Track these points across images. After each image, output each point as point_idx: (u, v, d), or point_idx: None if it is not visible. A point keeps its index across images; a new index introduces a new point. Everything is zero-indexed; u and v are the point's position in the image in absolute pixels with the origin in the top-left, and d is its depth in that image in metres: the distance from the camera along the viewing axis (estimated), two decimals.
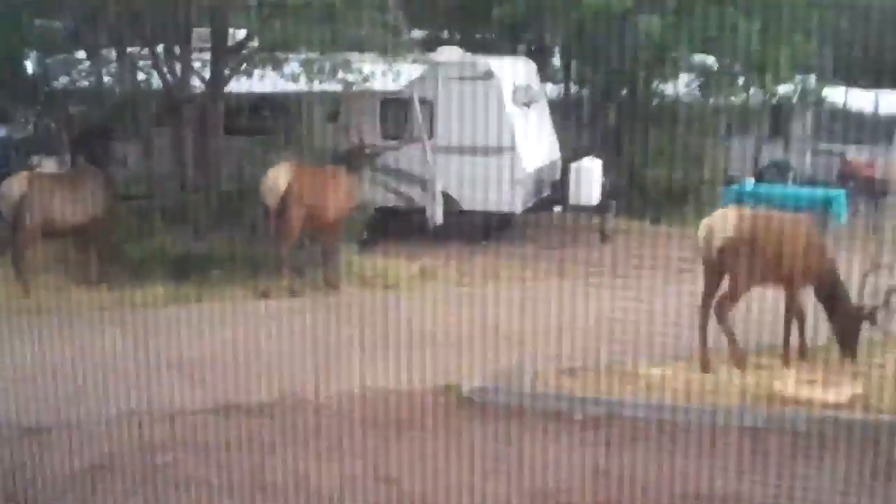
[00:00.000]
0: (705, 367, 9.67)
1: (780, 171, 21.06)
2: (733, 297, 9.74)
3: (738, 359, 9.72)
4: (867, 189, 20.70)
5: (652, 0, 18.01)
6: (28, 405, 8.92)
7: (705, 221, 10.08)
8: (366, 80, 15.13)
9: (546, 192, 17.46)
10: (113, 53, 15.45)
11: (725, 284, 9.84)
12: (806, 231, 10.18)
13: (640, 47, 18.49)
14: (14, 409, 8.88)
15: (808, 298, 10.09)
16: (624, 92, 20.30)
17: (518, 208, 16.54)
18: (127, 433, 8.55)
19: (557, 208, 17.45)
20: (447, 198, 16.22)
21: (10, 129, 17.19)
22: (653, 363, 9.76)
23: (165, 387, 9.39)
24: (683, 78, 20.34)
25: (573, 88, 21.15)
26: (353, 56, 14.96)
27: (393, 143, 16.38)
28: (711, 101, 20.11)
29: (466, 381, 9.38)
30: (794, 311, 9.97)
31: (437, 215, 16.03)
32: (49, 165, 15.88)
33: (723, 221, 9.93)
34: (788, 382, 9.26)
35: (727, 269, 9.80)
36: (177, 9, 14.69)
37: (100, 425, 8.69)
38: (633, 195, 18.21)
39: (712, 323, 9.78)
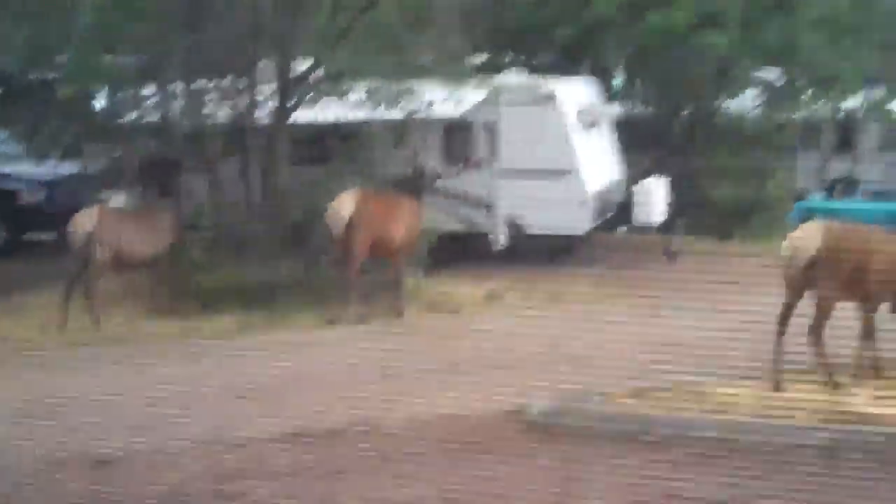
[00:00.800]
0: (778, 386, 9.52)
1: (849, 186, 20.72)
2: (825, 314, 9.56)
3: (831, 381, 9.51)
4: None
5: (715, 15, 17.88)
6: (101, 435, 9.04)
7: (790, 236, 9.91)
8: (429, 106, 15.21)
9: (611, 213, 17.37)
10: (180, 87, 15.68)
11: (808, 302, 9.67)
12: (891, 245, 9.99)
13: (705, 64, 18.37)
14: (87, 439, 9.01)
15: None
16: (689, 109, 20.17)
17: (583, 230, 16.46)
18: (199, 462, 8.64)
19: (623, 228, 17.36)
20: (511, 221, 16.21)
21: (81, 164, 17.49)
22: (724, 383, 9.62)
23: (236, 415, 9.47)
24: (749, 93, 20.16)
25: (637, 107, 21.04)
26: (416, 83, 15.05)
27: (456, 167, 16.42)
28: (777, 115, 19.89)
29: (535, 405, 9.34)
30: (872, 328, 9.78)
31: (502, 239, 16.04)
32: (119, 200, 16.15)
33: (809, 236, 9.73)
34: (863, 400, 9.09)
35: (815, 286, 9.60)
36: (242, 41, 14.93)
37: (171, 454, 8.78)
38: (699, 213, 18.04)
39: (786, 341, 9.63)
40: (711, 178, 18.54)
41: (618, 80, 21.29)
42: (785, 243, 9.87)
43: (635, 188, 16.94)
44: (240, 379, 10.32)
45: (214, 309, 13.39)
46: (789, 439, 8.43)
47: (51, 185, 17.64)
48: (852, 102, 20.41)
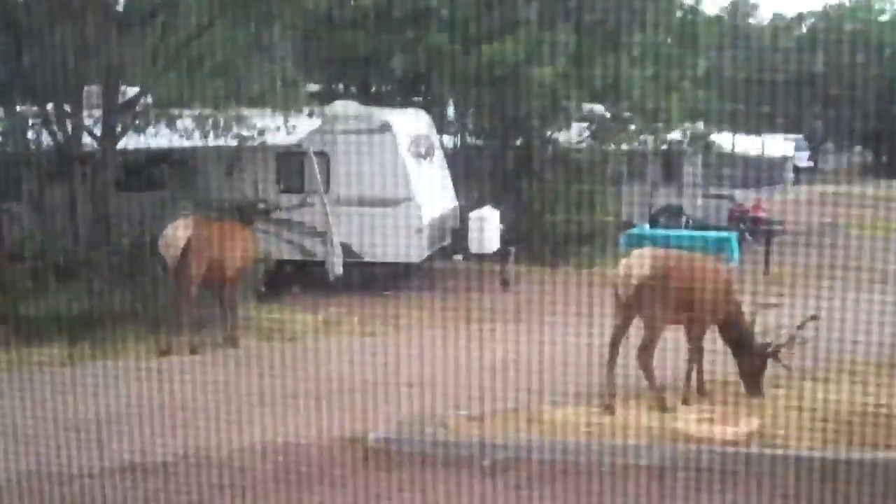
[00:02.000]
0: (610, 408, 9.75)
1: (672, 215, 21.54)
2: (653, 336, 9.86)
3: (660, 401, 9.81)
4: (757, 229, 21.29)
5: (545, 51, 18.33)
6: None
7: (623, 262, 10.20)
8: (261, 133, 15.10)
9: (446, 241, 17.55)
10: (1, 111, 15.13)
11: (639, 325, 9.96)
12: (716, 271, 10.47)
13: (534, 97, 18.77)
14: None
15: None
16: (520, 141, 20.57)
17: (418, 258, 16.59)
18: (22, 499, 8.29)
19: (458, 257, 17.56)
20: (347, 249, 16.20)
21: None
22: (557, 406, 9.81)
23: (64, 448, 9.12)
24: (577, 125, 20.70)
25: (469, 138, 21.35)
26: (249, 110, 14.93)
27: (290, 196, 16.34)
28: (604, 147, 20.48)
29: (372, 432, 9.31)
30: (698, 350, 10.16)
31: (338, 267, 16.00)
32: None
33: (641, 262, 10.05)
34: (690, 421, 9.40)
35: (644, 309, 9.90)
36: (68, 67, 14.51)
37: None
38: (532, 241, 18.41)
39: (618, 364, 9.89)
40: (542, 207, 18.95)
41: (451, 111, 21.56)
42: (620, 267, 10.16)
43: (470, 217, 17.16)
44: (68, 411, 9.95)
45: (41, 338, 12.89)
46: (621, 459, 8.64)
47: None
48: (675, 135, 21.22)
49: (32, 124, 14.97)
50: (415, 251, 16.37)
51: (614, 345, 9.90)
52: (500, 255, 17.11)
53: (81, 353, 12.58)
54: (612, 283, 10.16)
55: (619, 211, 20.38)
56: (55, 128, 14.62)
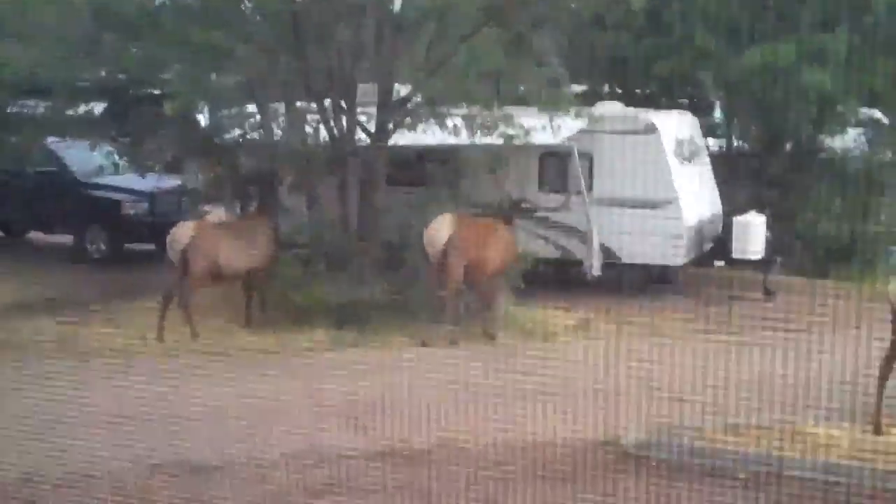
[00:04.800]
0: (878, 428, 9.30)
1: None
2: None
3: None
4: None
5: (818, 53, 17.63)
6: (196, 444, 9.19)
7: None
8: (526, 133, 15.22)
9: (708, 246, 17.18)
10: (282, 107, 15.95)
11: None
12: None
13: (806, 101, 18.11)
14: (182, 447, 9.16)
15: None
16: (789, 146, 19.89)
17: (679, 262, 16.31)
18: (290, 475, 8.73)
19: (720, 262, 17.15)
20: (606, 250, 16.13)
21: (183, 178, 17.87)
22: (821, 423, 9.44)
23: (326, 430, 9.55)
24: (851, 132, 19.81)
25: (736, 142, 20.81)
26: (515, 110, 15.09)
27: (552, 196, 16.42)
28: (881, 155, 19.51)
29: (626, 436, 9.26)
30: None
31: (596, 268, 15.96)
32: (218, 214, 16.46)
33: None
34: None
35: None
36: (345, 66, 15.14)
37: (263, 466, 8.90)
38: (798, 251, 17.76)
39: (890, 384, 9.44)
40: (811, 215, 18.24)
41: (717, 114, 21.09)
42: (892, 284, 9.69)
43: (734, 222, 16.73)
44: (331, 395, 10.40)
45: (308, 324, 13.55)
46: (887, 483, 8.24)
47: (153, 197, 18.01)
48: None
49: (309, 119, 15.69)
50: (676, 254, 16.10)
51: (888, 364, 9.44)
52: (765, 264, 16.60)
53: (344, 340, 13.15)
54: (889, 300, 9.68)
55: (893, 223, 19.33)
56: (331, 123, 15.28)
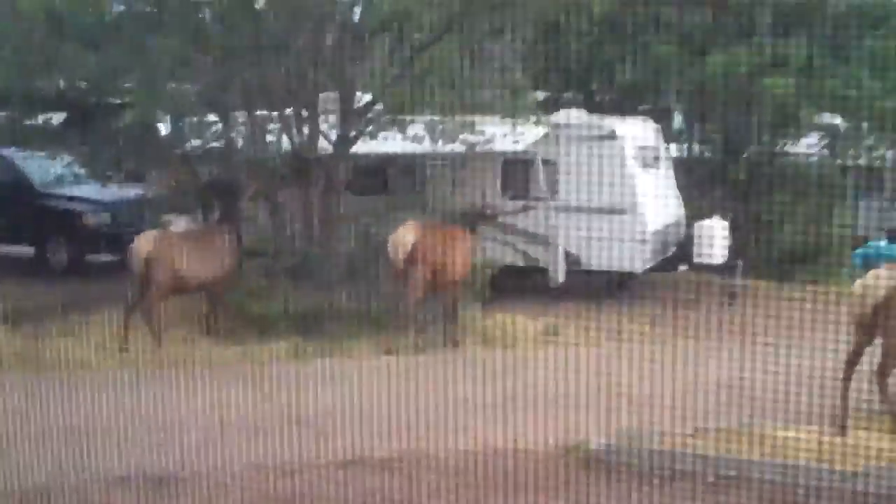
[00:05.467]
0: (843, 430, 9.36)
1: None
2: (894, 358, 9.44)
3: None
4: None
5: (777, 60, 17.78)
6: (159, 455, 9.09)
7: (859, 282, 9.84)
8: (488, 141, 15.24)
9: (670, 252, 17.26)
10: (243, 116, 15.88)
11: (878, 345, 9.56)
12: None
13: (765, 108, 18.24)
14: (146, 459, 9.06)
15: None
16: (748, 151, 20.03)
17: (642, 267, 16.39)
18: (253, 485, 8.65)
19: (683, 267, 17.23)
20: (570, 256, 16.17)
21: (144, 188, 17.72)
22: (785, 426, 9.48)
23: (290, 441, 9.48)
24: (809, 138, 19.98)
25: (696, 148, 20.94)
26: (477, 118, 15.11)
27: (515, 202, 16.44)
28: (839, 160, 19.69)
29: (592, 441, 9.25)
30: None
31: (560, 274, 15.99)
32: (179, 224, 16.34)
33: (878, 281, 9.65)
34: None
35: (885, 329, 9.49)
36: (306, 74, 15.10)
37: (226, 477, 8.81)
38: (759, 255, 17.86)
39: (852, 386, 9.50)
40: (772, 220, 18.36)
41: (678, 120, 21.21)
42: (855, 286, 9.77)
43: (696, 227, 16.83)
44: (294, 405, 10.32)
45: (271, 334, 13.47)
46: (853, 485, 8.28)
47: (114, 207, 17.85)
48: None
49: (271, 127, 15.63)
50: (639, 260, 16.18)
51: (850, 366, 9.51)
52: (727, 268, 16.70)
53: (308, 350, 13.07)
54: (849, 303, 9.75)
55: (853, 227, 19.50)
56: (293, 132, 15.22)
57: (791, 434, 9.32)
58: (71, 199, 18.08)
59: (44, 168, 18.20)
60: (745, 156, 19.96)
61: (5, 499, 8.52)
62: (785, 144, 19.80)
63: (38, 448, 9.19)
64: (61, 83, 16.44)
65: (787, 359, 10.34)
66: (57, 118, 18.00)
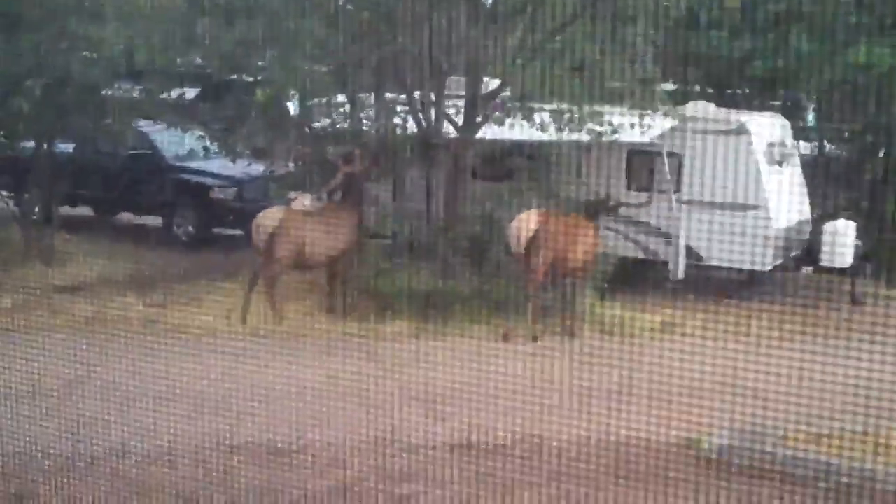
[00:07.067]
0: None
1: None
2: None
3: None
4: None
5: None
6: (279, 426, 9.28)
7: None
8: (615, 131, 15.11)
9: (796, 252, 16.88)
10: (371, 98, 16.04)
11: None
12: None
13: None
14: (263, 429, 9.26)
15: None
16: (883, 151, 19.46)
17: (765, 266, 16.05)
18: (370, 460, 8.77)
19: (808, 268, 16.85)
20: (691, 251, 15.95)
21: (272, 165, 18.03)
22: None
23: (407, 419, 9.57)
24: None
25: (829, 147, 20.42)
26: (604, 107, 14.98)
27: (639, 194, 16.28)
28: None
29: (709, 438, 9.14)
30: None
31: (680, 268, 15.79)
32: (304, 201, 16.60)
33: None
34: None
35: None
36: (435, 57, 15.17)
37: (344, 451, 8.95)
38: (889, 259, 17.35)
39: None
40: None
41: (810, 117, 20.72)
42: None
43: (824, 228, 16.42)
44: (413, 383, 10.43)
45: (390, 313, 13.61)
46: None
47: (241, 182, 18.21)
48: None
49: (398, 111, 15.76)
50: (762, 259, 15.83)
51: None
52: (854, 271, 16.27)
53: (427, 330, 13.18)
54: None
55: None
56: (420, 115, 15.32)
57: None
58: (200, 172, 18.49)
59: (175, 141, 18.66)
60: (878, 156, 19.40)
61: (128, 459, 8.79)
62: None
63: (158, 412, 9.43)
64: (197, 58, 16.82)
65: None
66: (190, 93, 18.42)
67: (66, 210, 18.79)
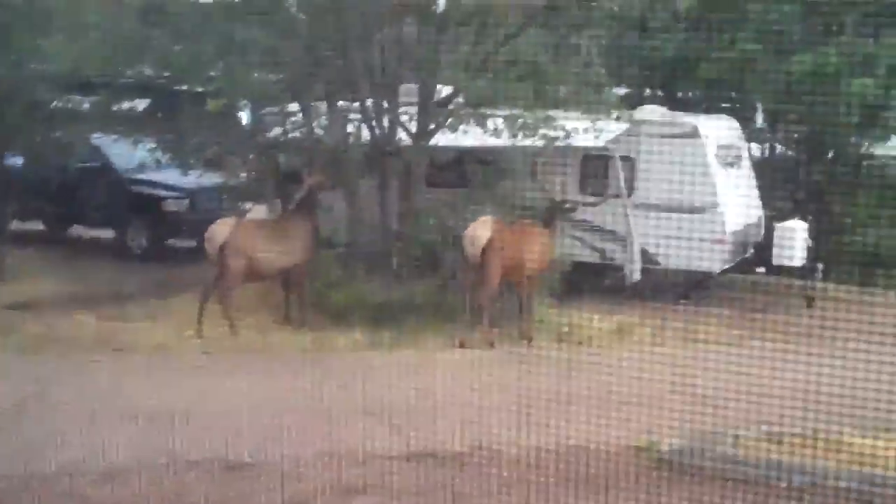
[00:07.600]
0: None
1: None
2: None
3: None
4: None
5: (863, 59, 17.43)
6: (231, 441, 9.21)
7: None
8: (568, 136, 15.15)
9: (748, 253, 17.02)
10: (324, 106, 15.99)
11: None
12: None
13: (851, 108, 17.89)
14: (217, 444, 9.18)
15: None
16: (832, 153, 19.67)
17: (719, 268, 16.18)
18: (324, 474, 8.73)
19: (760, 269, 16.99)
20: (646, 254, 16.04)
21: (224, 176, 17.90)
22: (862, 434, 9.31)
23: (361, 431, 9.54)
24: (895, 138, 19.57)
25: (778, 148, 20.62)
26: (556, 112, 15.03)
27: (592, 199, 16.34)
28: None
29: (663, 442, 9.18)
30: None
31: (635, 272, 15.87)
32: (257, 212, 16.53)
33: None
34: None
35: None
36: (387, 65, 15.16)
37: (298, 464, 8.90)
38: (840, 259, 17.53)
39: None
40: (854, 223, 18.00)
41: (760, 119, 20.89)
42: None
43: (775, 228, 16.57)
44: (367, 395, 10.40)
45: (345, 324, 13.57)
46: None
47: (194, 193, 18.09)
48: None
49: (351, 118, 15.72)
50: (716, 261, 15.95)
51: None
52: (806, 271, 16.43)
53: (381, 341, 13.14)
54: None
55: None
56: (373, 123, 15.30)
57: (867, 442, 9.14)
58: (152, 184, 18.34)
59: (127, 153, 18.49)
60: (827, 157, 19.61)
61: (81, 478, 8.69)
62: (870, 146, 19.40)
63: (110, 430, 9.35)
64: (148, 70, 16.70)
65: (865, 364, 10.17)
66: (141, 104, 18.28)
67: (16, 224, 18.57)
